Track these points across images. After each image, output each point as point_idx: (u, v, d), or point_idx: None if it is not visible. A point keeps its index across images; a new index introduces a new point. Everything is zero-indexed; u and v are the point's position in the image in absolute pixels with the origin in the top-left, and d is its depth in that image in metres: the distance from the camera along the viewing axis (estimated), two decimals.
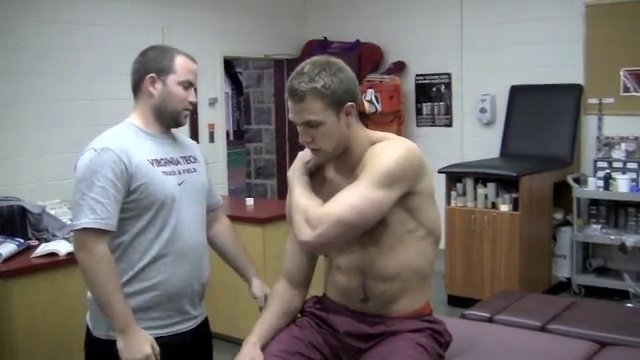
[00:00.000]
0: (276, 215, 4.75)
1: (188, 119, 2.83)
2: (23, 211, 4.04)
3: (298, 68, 2.27)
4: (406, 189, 2.25)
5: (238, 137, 14.49)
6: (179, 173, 2.58)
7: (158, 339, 2.46)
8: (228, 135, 10.47)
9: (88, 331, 2.59)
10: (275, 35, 7.81)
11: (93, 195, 2.36)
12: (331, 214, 2.17)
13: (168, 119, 2.59)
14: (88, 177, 2.38)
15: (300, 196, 2.30)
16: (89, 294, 2.47)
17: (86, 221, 2.34)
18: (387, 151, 2.24)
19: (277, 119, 8.42)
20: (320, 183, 2.43)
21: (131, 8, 6.37)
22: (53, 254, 3.60)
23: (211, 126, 7.12)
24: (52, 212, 4.23)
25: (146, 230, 2.47)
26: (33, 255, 3.64)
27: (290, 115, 2.30)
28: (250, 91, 9.01)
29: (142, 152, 2.49)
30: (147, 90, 2.56)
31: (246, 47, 7.54)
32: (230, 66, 12.80)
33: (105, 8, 6.14)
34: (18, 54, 5.56)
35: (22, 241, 3.81)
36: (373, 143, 2.33)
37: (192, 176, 2.64)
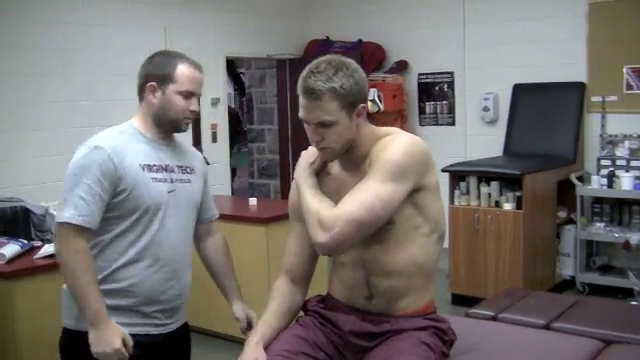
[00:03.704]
0: (279, 215, 4.75)
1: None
2: (26, 212, 4.05)
3: (312, 66, 2.25)
4: (414, 183, 2.25)
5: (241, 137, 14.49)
6: (171, 181, 2.59)
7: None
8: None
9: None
10: (277, 35, 7.80)
11: (78, 191, 2.40)
12: (344, 214, 2.16)
13: (167, 126, 2.60)
14: (78, 173, 2.42)
15: (311, 198, 2.29)
16: (64, 286, 2.51)
17: (67, 216, 2.39)
18: (393, 145, 2.24)
19: (280, 119, 8.42)
20: (325, 179, 2.42)
21: (133, 9, 6.37)
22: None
23: (213, 126, 7.12)
24: (55, 213, 4.24)
25: (127, 232, 2.49)
26: (36, 256, 3.65)
27: (301, 113, 2.27)
28: (253, 91, 9.01)
29: (135, 155, 2.50)
30: (148, 97, 2.57)
31: (248, 47, 7.54)
32: (233, 67, 12.79)
33: (107, 9, 6.15)
34: (19, 55, 5.56)
35: (25, 242, 3.82)
36: (379, 138, 2.33)
37: (185, 187, 2.64)
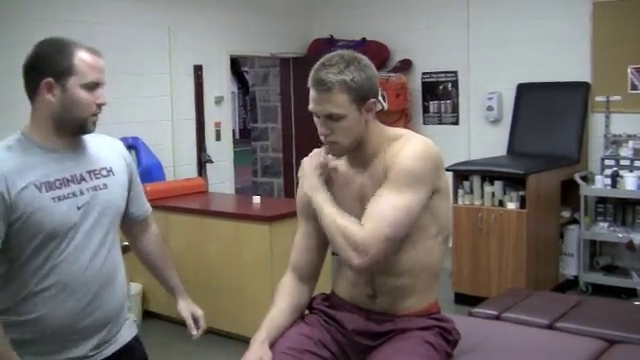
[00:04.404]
0: (283, 213, 4.76)
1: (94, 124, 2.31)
2: None
3: (324, 59, 2.26)
4: (431, 187, 2.27)
5: (244, 136, 14.49)
6: (80, 194, 2.23)
7: None
8: (234, 133, 10.48)
9: None
10: (281, 34, 7.81)
11: None
12: (376, 235, 2.17)
13: (72, 128, 2.22)
14: None
15: (334, 216, 2.25)
16: None
17: None
18: (407, 152, 2.25)
19: (283, 117, 8.42)
20: (332, 176, 2.42)
21: (136, 7, 6.37)
22: None
23: (217, 124, 7.12)
24: None
25: (29, 261, 2.17)
26: None
27: (311, 105, 2.27)
28: (256, 89, 9.01)
29: (29, 174, 2.14)
30: (44, 97, 2.16)
31: (252, 45, 7.54)
32: (236, 65, 12.80)
33: (110, 6, 6.14)
34: (19, 53, 5.53)
35: None
36: (389, 140, 2.33)
37: (99, 194, 2.29)
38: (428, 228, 2.33)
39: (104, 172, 2.33)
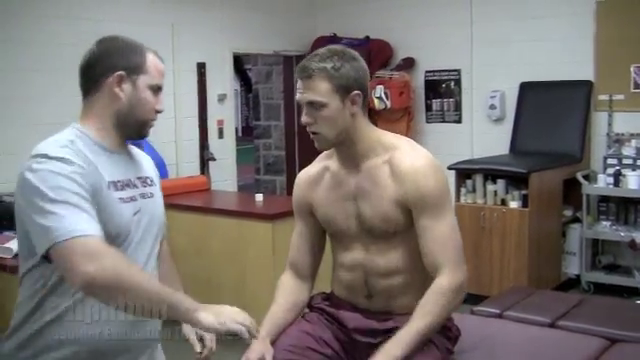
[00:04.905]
0: (285, 211, 4.75)
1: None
2: None
3: (312, 53, 2.32)
4: None
5: (247, 133, 14.52)
6: (134, 199, 2.08)
7: None
8: (237, 131, 10.49)
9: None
10: (284, 31, 7.80)
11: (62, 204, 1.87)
12: (457, 265, 2.34)
13: (132, 130, 2.10)
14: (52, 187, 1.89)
15: (412, 335, 2.23)
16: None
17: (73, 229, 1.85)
18: (425, 174, 2.29)
19: (286, 115, 8.42)
20: (324, 176, 2.46)
21: (140, 4, 6.37)
22: None
23: (220, 122, 7.12)
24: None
25: None
26: None
27: (296, 95, 2.32)
28: (259, 87, 9.01)
29: (99, 168, 2.00)
30: (112, 91, 2.04)
31: (255, 43, 7.54)
32: (239, 63, 12.81)
33: (113, 3, 6.13)
34: (22, 49, 5.54)
35: None
36: (385, 147, 2.35)
37: (148, 203, 2.14)
38: (406, 226, 2.35)
39: (149, 181, 2.21)
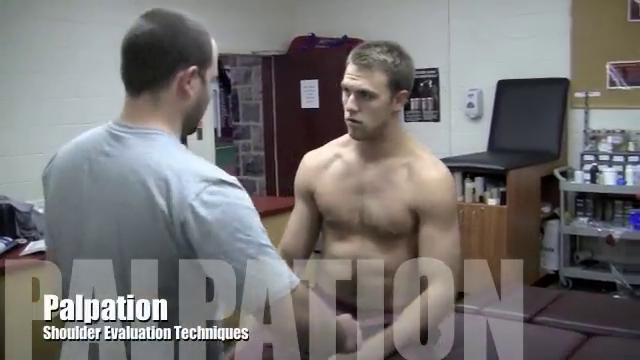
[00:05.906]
0: (266, 211, 4.74)
1: None
2: (11, 210, 4.04)
3: (368, 42, 2.34)
4: None
5: (226, 134, 14.48)
6: None
7: None
8: (216, 132, 10.46)
9: None
10: (263, 32, 7.79)
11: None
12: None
13: (188, 131, 1.84)
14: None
15: (405, 333, 2.28)
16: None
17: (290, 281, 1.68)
18: (441, 187, 2.39)
19: (265, 116, 8.40)
20: (334, 162, 2.47)
21: (117, 4, 6.32)
22: (42, 252, 3.59)
23: (199, 123, 7.09)
24: (40, 211, 4.23)
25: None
26: (22, 253, 3.64)
27: (346, 80, 2.30)
28: (238, 88, 8.99)
29: None
30: (182, 88, 1.67)
31: (234, 44, 7.51)
32: (218, 64, 12.79)
33: (96, 4, 6.08)
34: (19, 51, 5.49)
35: (10, 240, 3.81)
36: (410, 151, 2.42)
37: None
38: (410, 230, 2.36)
39: None
